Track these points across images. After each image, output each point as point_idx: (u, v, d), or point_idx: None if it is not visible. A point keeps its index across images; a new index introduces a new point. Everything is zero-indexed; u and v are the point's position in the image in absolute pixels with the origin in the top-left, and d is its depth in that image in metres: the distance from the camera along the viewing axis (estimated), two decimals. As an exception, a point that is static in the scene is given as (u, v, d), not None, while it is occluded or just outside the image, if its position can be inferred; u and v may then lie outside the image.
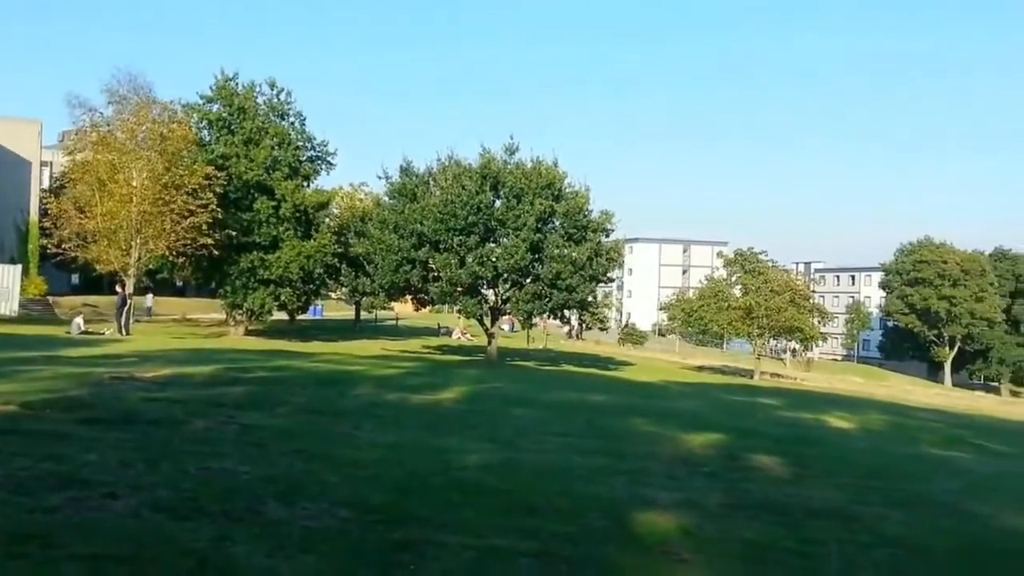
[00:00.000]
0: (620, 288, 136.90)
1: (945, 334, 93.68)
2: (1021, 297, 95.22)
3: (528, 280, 36.56)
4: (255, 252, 38.50)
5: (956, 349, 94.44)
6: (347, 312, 63.10)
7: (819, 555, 5.57)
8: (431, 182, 36.73)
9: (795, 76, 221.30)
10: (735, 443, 11.73)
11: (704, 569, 4.96)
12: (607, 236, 37.69)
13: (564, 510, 6.35)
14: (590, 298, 38.94)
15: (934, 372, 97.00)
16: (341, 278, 44.54)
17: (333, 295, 57.87)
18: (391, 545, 5.01)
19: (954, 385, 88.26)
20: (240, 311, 40.08)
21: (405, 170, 37.36)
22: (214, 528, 5.05)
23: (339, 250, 41.87)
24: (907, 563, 5.64)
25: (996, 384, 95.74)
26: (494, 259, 35.29)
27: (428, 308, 48.43)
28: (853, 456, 11.93)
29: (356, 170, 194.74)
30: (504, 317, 43.82)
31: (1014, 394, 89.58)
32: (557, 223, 36.47)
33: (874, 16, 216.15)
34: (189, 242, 34.21)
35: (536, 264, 35.92)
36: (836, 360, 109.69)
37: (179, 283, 58.40)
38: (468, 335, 55.39)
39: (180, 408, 10.28)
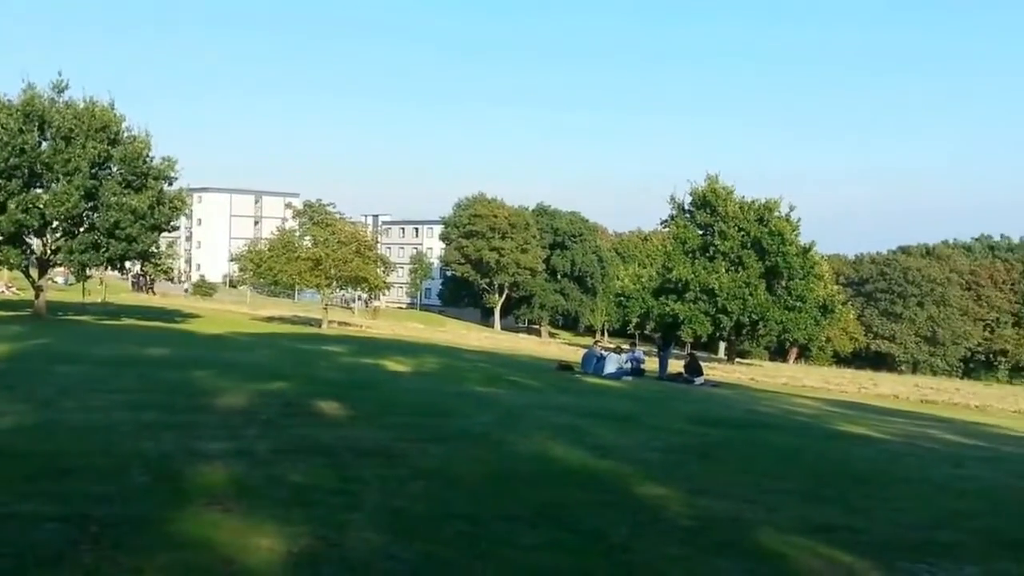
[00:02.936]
0: (189, 239, 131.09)
1: (495, 282, 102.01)
2: (558, 249, 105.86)
3: (83, 229, 33.98)
4: None
5: (505, 296, 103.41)
6: None
7: (359, 492, 5.89)
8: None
9: (351, 29, 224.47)
10: (295, 390, 11.93)
11: (246, 516, 5.02)
12: (170, 184, 36.11)
13: (104, 469, 6.06)
14: (153, 248, 37.04)
15: (487, 317, 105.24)
16: None
17: None
18: None
19: (503, 329, 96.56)
20: None
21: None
22: None
23: None
24: (439, 492, 6.14)
25: (537, 327, 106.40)
26: (41, 206, 32.26)
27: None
28: (404, 397, 12.68)
29: None
30: (57, 269, 40.33)
31: (552, 335, 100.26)
32: (114, 169, 34.22)
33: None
34: None
35: (91, 212, 33.44)
36: (401, 308, 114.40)
37: None
38: (14, 288, 50.20)
39: None
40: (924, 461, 10.61)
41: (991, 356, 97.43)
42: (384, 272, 54.42)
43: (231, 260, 67.68)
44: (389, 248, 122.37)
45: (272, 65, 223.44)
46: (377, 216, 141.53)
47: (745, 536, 5.54)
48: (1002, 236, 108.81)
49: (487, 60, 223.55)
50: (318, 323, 48.59)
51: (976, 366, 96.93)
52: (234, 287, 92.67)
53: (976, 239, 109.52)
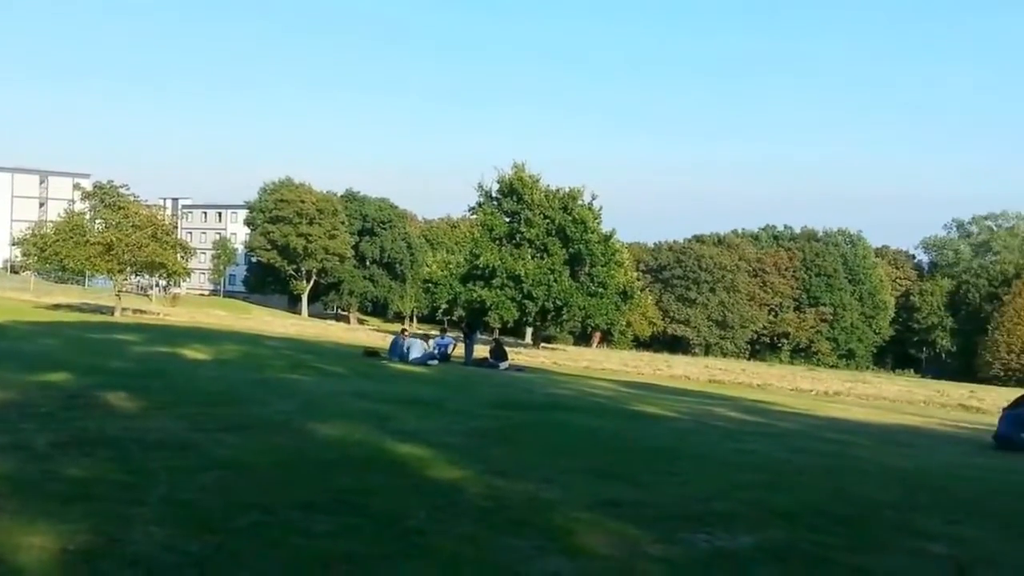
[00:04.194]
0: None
1: (303, 269, 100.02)
2: (367, 235, 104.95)
3: None
4: None
5: (313, 282, 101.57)
6: None
7: (146, 485, 5.64)
8: None
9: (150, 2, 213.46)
10: (80, 381, 11.30)
11: (18, 513, 4.72)
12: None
13: None
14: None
15: (294, 304, 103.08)
16: None
17: None
18: None
19: (310, 316, 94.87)
20: None
21: None
22: None
23: None
24: (232, 482, 5.98)
25: (346, 314, 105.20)
26: None
27: None
28: (201, 385, 12.25)
29: None
30: None
31: (361, 322, 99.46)
32: None
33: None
34: None
35: None
36: (204, 295, 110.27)
37: None
38: None
39: None
40: (708, 437, 11.26)
41: (775, 338, 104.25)
42: (184, 258, 52.23)
43: (13, 244, 62.92)
44: (190, 233, 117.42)
45: (58, 38, 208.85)
46: (177, 200, 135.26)
47: (539, 514, 5.69)
48: (785, 226, 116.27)
49: (295, 42, 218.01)
50: (110, 311, 46.04)
51: (762, 348, 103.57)
52: (16, 273, 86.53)
53: (762, 229, 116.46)
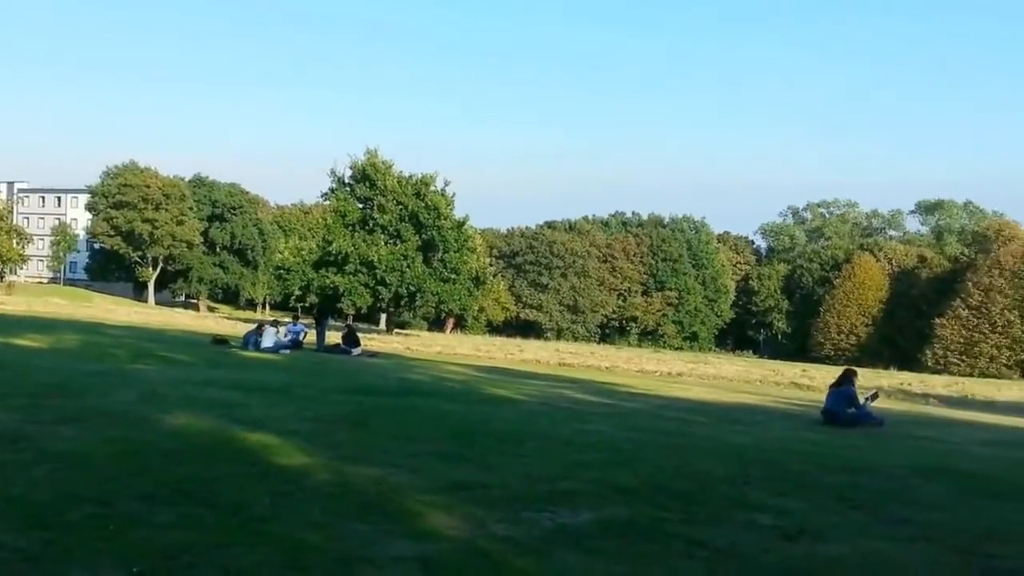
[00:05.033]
0: None
1: (149, 255, 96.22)
2: (217, 221, 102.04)
3: None
4: None
5: (159, 269, 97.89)
6: None
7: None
8: None
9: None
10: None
11: None
12: None
13: None
14: None
15: (140, 292, 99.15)
16: None
17: None
18: None
19: (157, 303, 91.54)
20: None
21: None
22: None
23: None
24: (67, 475, 5.78)
25: (195, 301, 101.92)
26: None
27: None
28: (35, 376, 11.71)
29: None
30: None
31: (211, 309, 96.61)
32: None
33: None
34: None
35: None
36: (42, 283, 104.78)
37: None
38: None
39: None
40: (555, 419, 11.56)
41: (624, 322, 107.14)
42: (19, 244, 49.50)
43: None
44: (27, 218, 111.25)
45: None
46: (12, 183, 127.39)
47: (386, 499, 5.76)
48: (633, 213, 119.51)
49: (139, 23, 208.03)
50: (-67, 300, 43.19)
51: (611, 332, 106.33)
52: None
53: (612, 215, 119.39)
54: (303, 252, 57.62)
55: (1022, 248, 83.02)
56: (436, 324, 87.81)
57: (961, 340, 79.93)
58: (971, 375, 69.62)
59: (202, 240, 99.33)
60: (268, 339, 24.00)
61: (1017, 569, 5.12)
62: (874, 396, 15.70)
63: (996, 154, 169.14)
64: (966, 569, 5.13)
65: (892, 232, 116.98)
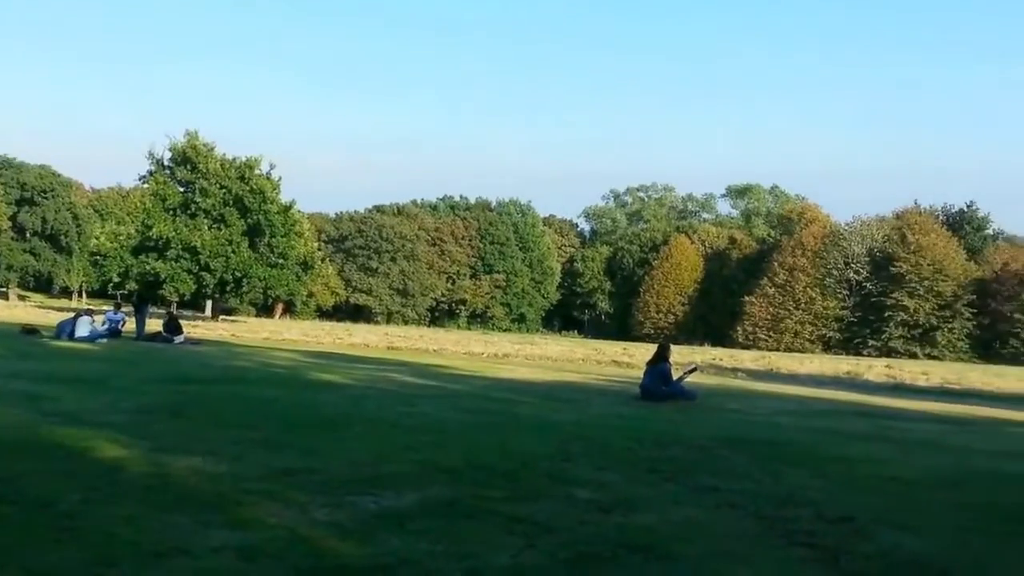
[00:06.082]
0: None
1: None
2: (27, 205, 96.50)
3: None
4: None
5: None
6: None
7: None
8: None
9: None
10: None
11: None
12: None
13: None
14: None
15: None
16: None
17: None
18: None
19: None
20: None
21: None
22: None
23: None
24: None
25: (5, 289, 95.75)
26: None
27: None
28: None
29: None
30: None
31: (22, 298, 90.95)
32: None
33: None
34: None
35: None
36: None
37: None
38: None
39: None
40: (382, 402, 11.61)
41: (453, 305, 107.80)
42: None
43: None
44: None
45: None
46: None
47: (205, 488, 5.67)
48: (461, 197, 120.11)
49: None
50: None
51: (441, 315, 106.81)
52: None
53: (440, 199, 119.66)
54: (121, 237, 55.00)
55: (822, 230, 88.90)
56: (264, 310, 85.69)
57: (768, 317, 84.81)
58: (777, 349, 74.11)
59: (10, 225, 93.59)
60: (83, 328, 22.91)
61: (813, 530, 5.54)
62: (692, 370, 16.56)
63: (801, 141, 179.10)
64: (768, 532, 5.48)
65: (706, 215, 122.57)
